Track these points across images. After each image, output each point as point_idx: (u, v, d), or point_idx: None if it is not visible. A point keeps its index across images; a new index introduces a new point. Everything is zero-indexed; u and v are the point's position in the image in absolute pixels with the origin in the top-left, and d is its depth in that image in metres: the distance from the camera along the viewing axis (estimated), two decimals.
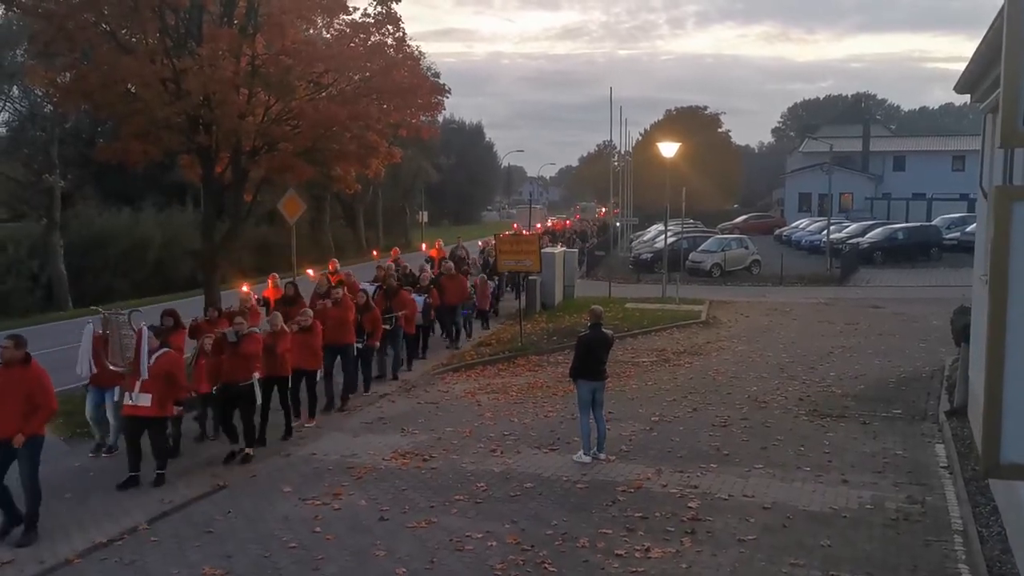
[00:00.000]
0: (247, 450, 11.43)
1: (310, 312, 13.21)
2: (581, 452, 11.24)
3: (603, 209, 62.23)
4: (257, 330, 12.02)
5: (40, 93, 29.88)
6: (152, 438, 10.44)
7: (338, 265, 20.20)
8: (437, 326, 19.75)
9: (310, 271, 19.67)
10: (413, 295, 17.46)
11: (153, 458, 10.46)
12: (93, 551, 8.45)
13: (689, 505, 9.50)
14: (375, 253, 27.13)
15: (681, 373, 17.04)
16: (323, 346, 13.40)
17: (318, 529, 8.95)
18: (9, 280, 34.24)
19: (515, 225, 64.78)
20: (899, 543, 8.44)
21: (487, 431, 12.77)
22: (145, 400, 10.18)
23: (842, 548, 8.30)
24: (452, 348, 19.55)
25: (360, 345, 14.66)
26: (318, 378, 13.38)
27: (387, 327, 15.80)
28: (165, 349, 10.59)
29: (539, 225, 47.82)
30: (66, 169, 37.08)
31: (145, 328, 10.58)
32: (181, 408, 10.94)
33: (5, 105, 36.73)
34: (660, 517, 9.16)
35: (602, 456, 11.22)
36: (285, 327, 12.33)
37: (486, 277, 23.04)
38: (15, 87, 35.05)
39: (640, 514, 9.23)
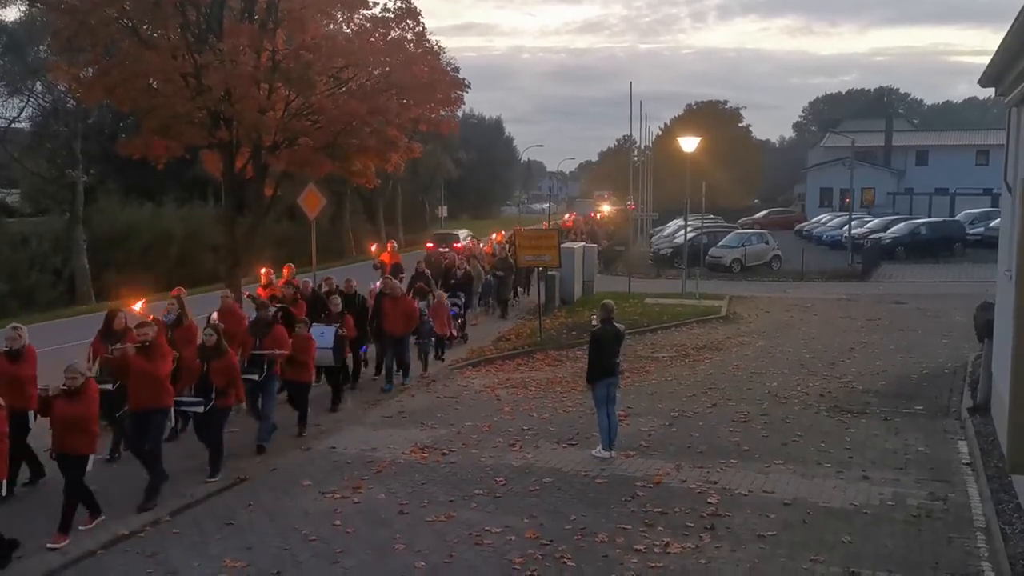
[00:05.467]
0: None
1: (80, 368, 8.66)
2: (600, 447, 11.23)
3: (632, 202, 61.57)
4: None
5: (63, 89, 30.16)
6: None
7: (273, 277, 16.21)
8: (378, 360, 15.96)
9: (241, 292, 16.19)
10: (315, 328, 12.98)
11: None
12: (116, 543, 8.54)
13: (709, 501, 9.46)
14: (263, 272, 16.54)
15: (701, 368, 16.97)
16: (131, 411, 9.66)
17: (338, 522, 9.00)
18: (33, 274, 34.63)
19: (574, 213, 64.66)
20: (921, 540, 8.39)
21: (506, 426, 12.78)
22: None
23: (863, 545, 8.25)
24: (401, 383, 15.36)
25: (200, 409, 10.21)
26: (89, 466, 8.67)
27: (254, 376, 11.41)
28: None
29: (545, 224, 47.46)
30: (89, 164, 37.46)
31: None
32: None
33: (29, 100, 37.16)
34: (679, 512, 9.13)
35: (613, 453, 11.18)
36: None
37: (444, 295, 18.37)
38: (38, 83, 35.39)
39: (659, 509, 9.21)
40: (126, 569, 7.99)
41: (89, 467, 8.63)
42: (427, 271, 20.16)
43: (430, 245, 38.21)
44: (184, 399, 10.30)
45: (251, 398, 11.48)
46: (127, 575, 7.89)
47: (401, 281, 18.36)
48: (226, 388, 10.24)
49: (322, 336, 12.96)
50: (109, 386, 10.11)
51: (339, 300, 14.25)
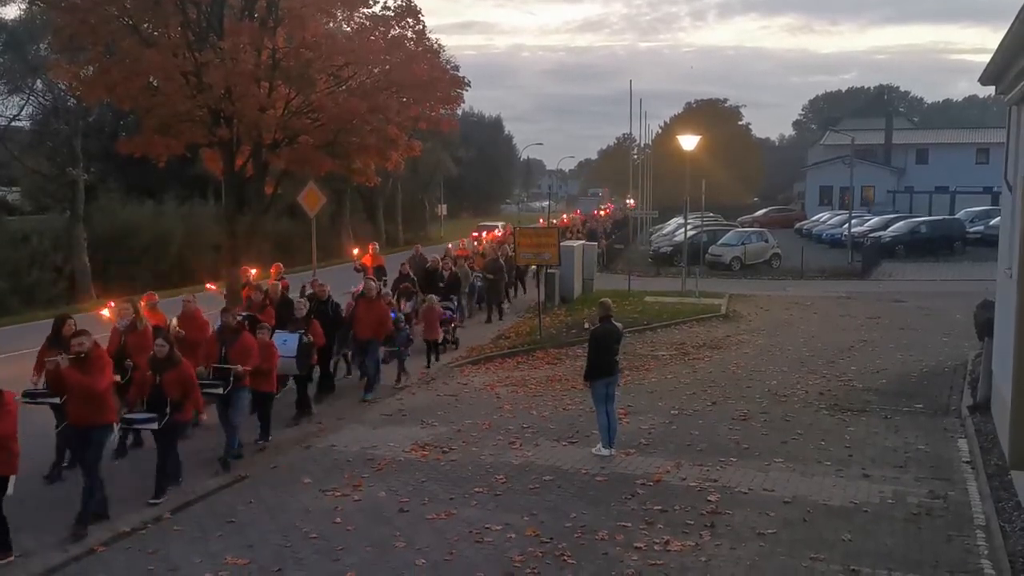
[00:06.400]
0: None
1: None
2: (600, 445, 11.24)
3: (632, 200, 61.61)
4: None
5: (63, 87, 30.15)
6: None
7: (250, 276, 15.70)
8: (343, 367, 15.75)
9: (211, 285, 16.01)
10: (278, 335, 12.11)
11: None
12: (117, 540, 8.55)
13: (708, 499, 9.48)
14: (214, 284, 16.65)
15: (700, 367, 16.98)
16: (68, 426, 8.91)
17: (338, 520, 9.01)
18: (33, 272, 34.63)
19: (577, 211, 65.17)
20: (921, 538, 8.40)
21: (506, 424, 12.79)
22: None
23: (863, 543, 8.26)
24: (365, 397, 14.26)
25: (155, 426, 9.39)
26: (9, 489, 7.84)
27: (218, 390, 10.51)
28: None
29: (542, 221, 47.63)
30: (89, 162, 37.42)
31: None
32: None
33: (29, 99, 37.11)
34: (679, 510, 9.15)
35: (613, 451, 11.18)
36: None
37: (435, 299, 17.32)
38: (39, 81, 35.35)
39: (659, 507, 9.23)
40: (128, 566, 8.01)
41: (9, 491, 7.82)
42: (411, 272, 19.47)
43: (475, 233, 39.22)
44: (136, 416, 9.59)
45: (221, 408, 10.80)
46: (129, 572, 7.90)
47: (384, 285, 17.83)
48: (182, 401, 9.45)
49: (284, 344, 12.07)
50: (57, 399, 9.31)
51: (305, 304, 13.39)
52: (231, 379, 10.57)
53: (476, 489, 9.91)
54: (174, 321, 12.10)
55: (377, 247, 22.12)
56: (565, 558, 7.96)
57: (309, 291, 14.95)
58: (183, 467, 10.14)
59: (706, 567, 7.78)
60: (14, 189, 44.82)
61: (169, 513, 9.25)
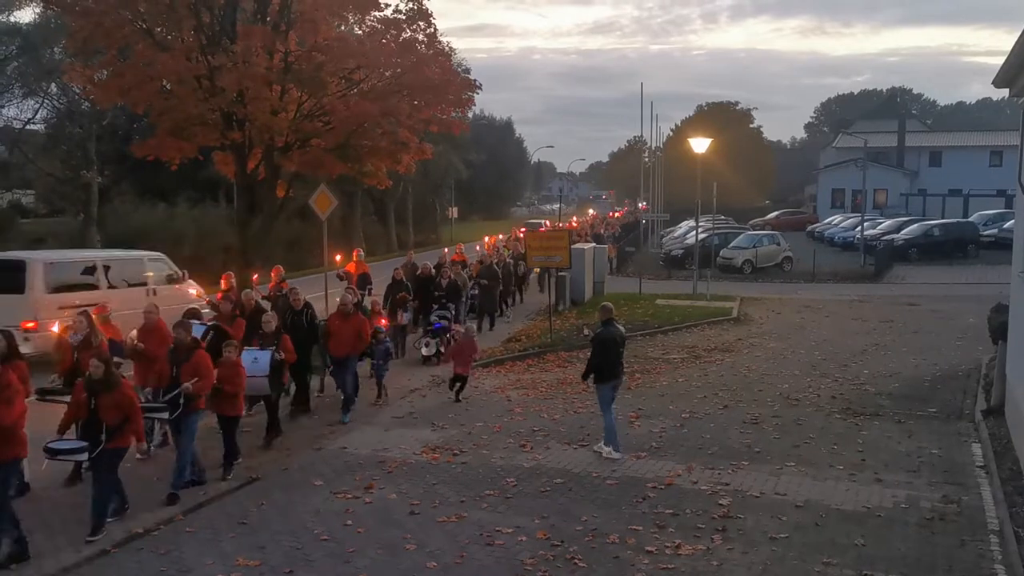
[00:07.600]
0: None
1: None
2: (611, 448, 11.22)
3: (644, 203, 61.75)
4: None
5: (78, 90, 30.37)
6: None
7: (232, 282, 14.99)
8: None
9: (196, 289, 15.60)
10: (247, 353, 11.01)
11: None
12: (130, 541, 8.58)
13: (720, 502, 9.45)
14: (196, 293, 16.20)
15: (712, 370, 16.94)
16: None
17: (349, 522, 9.02)
18: None
19: (593, 212, 65.20)
20: (934, 543, 8.35)
21: (517, 426, 12.78)
22: None
23: (876, 547, 8.22)
24: (343, 420, 13.07)
25: (84, 457, 8.45)
26: None
27: (164, 415, 9.58)
28: None
29: (547, 222, 47.70)
30: (103, 165, 37.69)
31: None
32: None
33: (44, 102, 37.39)
34: (691, 514, 9.12)
35: (620, 453, 11.14)
36: None
37: (473, 329, 15.98)
38: (53, 84, 35.61)
39: (671, 511, 9.21)
40: (140, 567, 8.03)
41: None
42: (404, 278, 18.22)
43: (523, 230, 39.17)
44: (62, 446, 8.48)
45: (174, 434, 9.96)
46: (141, 573, 7.93)
47: (369, 293, 17.41)
48: (120, 426, 8.42)
49: (255, 362, 11.00)
50: None
51: (273, 317, 12.18)
52: (180, 401, 9.45)
53: (487, 492, 9.91)
54: (133, 333, 11.11)
55: (362, 253, 21.14)
56: (576, 561, 7.95)
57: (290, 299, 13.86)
58: (128, 498, 9.25)
59: (717, 571, 7.75)
60: (29, 192, 45.16)
61: (182, 515, 9.28)
